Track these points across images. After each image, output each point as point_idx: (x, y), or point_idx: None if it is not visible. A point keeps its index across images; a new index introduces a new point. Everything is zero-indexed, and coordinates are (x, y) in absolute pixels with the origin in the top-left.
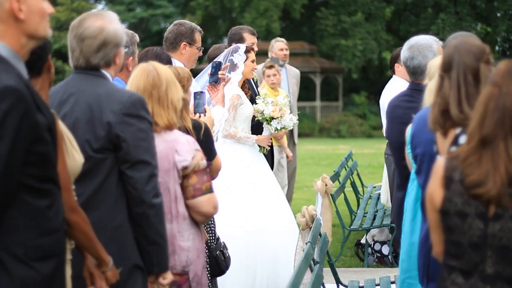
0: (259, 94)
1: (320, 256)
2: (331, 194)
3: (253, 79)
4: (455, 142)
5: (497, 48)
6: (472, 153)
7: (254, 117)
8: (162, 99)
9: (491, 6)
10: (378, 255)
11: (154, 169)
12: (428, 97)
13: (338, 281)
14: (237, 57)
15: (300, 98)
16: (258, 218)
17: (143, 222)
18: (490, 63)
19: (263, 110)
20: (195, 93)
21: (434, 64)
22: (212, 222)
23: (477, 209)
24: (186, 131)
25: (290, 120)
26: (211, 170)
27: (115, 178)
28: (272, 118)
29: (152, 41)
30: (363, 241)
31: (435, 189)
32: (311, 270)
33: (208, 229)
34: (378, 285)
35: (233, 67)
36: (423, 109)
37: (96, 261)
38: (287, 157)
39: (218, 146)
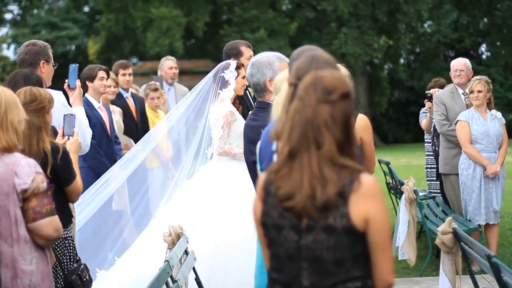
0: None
1: (184, 274)
2: None
3: (250, 92)
4: None
5: (402, 61)
6: (283, 166)
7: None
8: (1, 121)
9: (392, 19)
10: None
11: None
12: (276, 111)
13: None
14: (228, 74)
15: None
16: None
17: None
18: None
19: None
20: (65, 115)
21: (280, 79)
22: (71, 244)
23: (291, 221)
24: (44, 153)
25: None
26: (71, 194)
27: None
28: None
29: (58, 63)
30: None
31: (256, 203)
32: None
33: (66, 252)
34: None
35: (224, 84)
36: (270, 124)
37: None
38: (172, 176)
39: (213, 164)
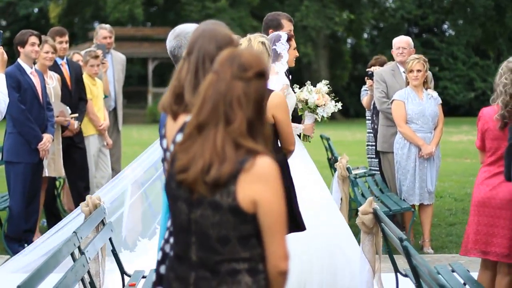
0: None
1: (96, 246)
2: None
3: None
4: (182, 129)
5: (365, 35)
6: (187, 139)
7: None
8: None
9: None
10: None
11: None
12: None
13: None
14: (280, 46)
15: (164, 84)
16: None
17: None
18: None
19: (308, 99)
20: None
21: None
22: None
23: (185, 193)
24: None
25: (335, 106)
26: None
27: None
28: (317, 106)
29: (20, 25)
30: None
31: (166, 173)
32: (73, 260)
33: None
34: None
35: (276, 56)
36: None
37: None
38: (107, 144)
39: None
